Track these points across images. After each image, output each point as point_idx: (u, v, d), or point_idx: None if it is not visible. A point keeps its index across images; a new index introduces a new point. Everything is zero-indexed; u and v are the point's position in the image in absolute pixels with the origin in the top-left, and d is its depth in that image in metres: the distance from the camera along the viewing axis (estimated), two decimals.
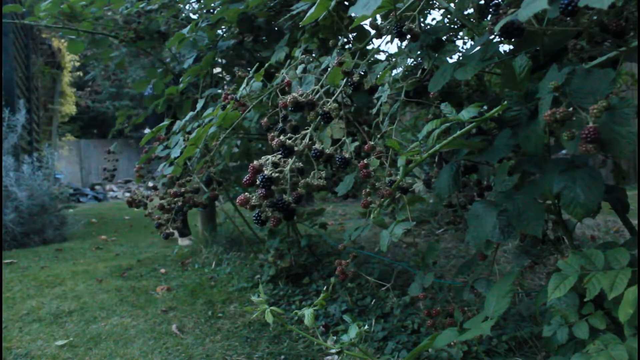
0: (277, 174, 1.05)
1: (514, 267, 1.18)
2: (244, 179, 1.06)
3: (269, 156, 1.10)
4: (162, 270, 3.03)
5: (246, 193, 1.06)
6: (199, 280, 2.74)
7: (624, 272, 0.79)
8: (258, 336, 1.91)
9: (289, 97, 1.18)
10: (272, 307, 0.99)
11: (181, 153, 1.66)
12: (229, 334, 1.96)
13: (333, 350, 1.05)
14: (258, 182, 1.04)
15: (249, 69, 1.58)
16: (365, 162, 1.15)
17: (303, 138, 1.14)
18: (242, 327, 2.00)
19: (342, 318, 1.91)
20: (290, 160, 1.10)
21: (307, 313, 1.02)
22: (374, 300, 2.03)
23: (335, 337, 1.73)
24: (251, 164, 1.06)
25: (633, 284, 0.77)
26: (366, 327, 1.07)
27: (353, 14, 1.05)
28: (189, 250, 3.42)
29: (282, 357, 1.73)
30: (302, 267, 2.40)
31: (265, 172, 1.05)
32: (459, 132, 0.95)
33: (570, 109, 0.78)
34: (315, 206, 2.91)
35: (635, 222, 1.18)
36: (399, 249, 2.81)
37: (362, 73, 1.24)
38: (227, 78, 2.50)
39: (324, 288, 2.18)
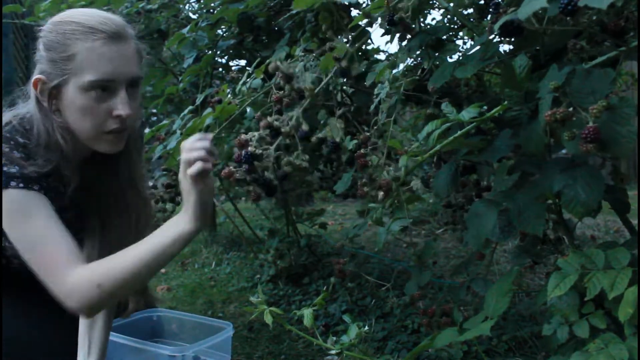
0: (260, 151, 1.06)
1: (514, 267, 1.18)
2: (235, 156, 1.06)
3: (255, 132, 1.09)
4: (162, 270, 3.03)
5: (230, 167, 1.06)
6: (199, 280, 2.74)
7: (624, 272, 0.79)
8: (258, 336, 1.91)
9: (272, 65, 1.16)
10: (271, 308, 0.99)
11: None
12: None
13: (333, 351, 1.05)
14: (241, 158, 1.04)
15: (248, 68, 1.59)
16: (363, 151, 1.15)
17: (290, 119, 1.14)
18: (242, 327, 2.00)
19: (342, 317, 1.91)
20: (276, 140, 1.10)
21: (307, 313, 1.02)
22: (374, 300, 2.03)
23: (335, 338, 1.73)
24: (237, 138, 1.06)
25: (633, 284, 0.77)
26: (366, 327, 1.07)
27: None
28: (189, 250, 3.42)
29: (282, 357, 1.73)
30: (302, 267, 2.40)
31: (250, 148, 1.05)
32: (459, 132, 0.95)
33: (571, 109, 0.78)
34: (315, 206, 2.91)
35: (635, 222, 1.18)
36: (399, 249, 2.81)
37: (363, 70, 1.24)
38: (228, 78, 2.50)
39: (324, 288, 2.18)
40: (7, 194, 0.89)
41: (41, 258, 0.90)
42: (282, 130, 1.10)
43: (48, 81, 0.92)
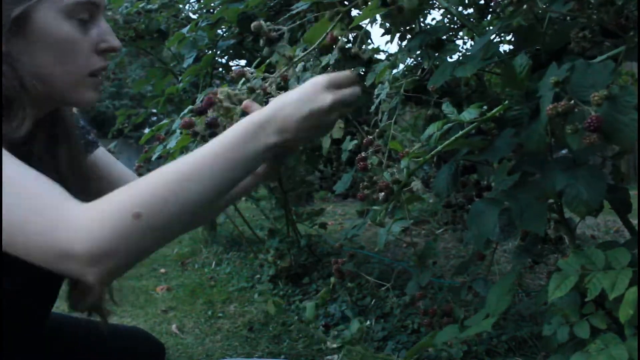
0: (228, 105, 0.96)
1: (515, 267, 1.18)
2: (198, 106, 0.96)
3: (226, 89, 0.99)
4: (162, 270, 3.03)
5: (192, 117, 0.98)
6: (199, 280, 2.74)
7: (624, 272, 0.79)
8: (258, 336, 1.91)
9: (255, 23, 1.11)
10: (274, 299, 0.99)
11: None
12: (229, 334, 1.96)
13: (334, 346, 1.05)
14: (204, 110, 0.93)
15: (247, 68, 1.58)
16: (363, 154, 1.14)
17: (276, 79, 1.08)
18: (242, 327, 2.00)
19: (342, 318, 1.91)
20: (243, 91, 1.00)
21: (309, 306, 1.02)
22: (374, 300, 2.03)
23: (336, 333, 1.73)
24: (207, 95, 0.97)
25: (633, 284, 0.77)
26: (367, 323, 1.07)
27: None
28: (189, 250, 3.43)
29: (282, 356, 1.73)
30: (302, 267, 2.40)
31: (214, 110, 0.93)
32: (460, 133, 0.95)
33: (572, 102, 0.77)
34: (315, 206, 2.91)
35: (635, 222, 1.18)
36: (399, 249, 2.81)
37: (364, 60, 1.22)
38: (228, 78, 2.50)
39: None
40: None
41: (21, 205, 0.54)
42: (269, 91, 1.02)
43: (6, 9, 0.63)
